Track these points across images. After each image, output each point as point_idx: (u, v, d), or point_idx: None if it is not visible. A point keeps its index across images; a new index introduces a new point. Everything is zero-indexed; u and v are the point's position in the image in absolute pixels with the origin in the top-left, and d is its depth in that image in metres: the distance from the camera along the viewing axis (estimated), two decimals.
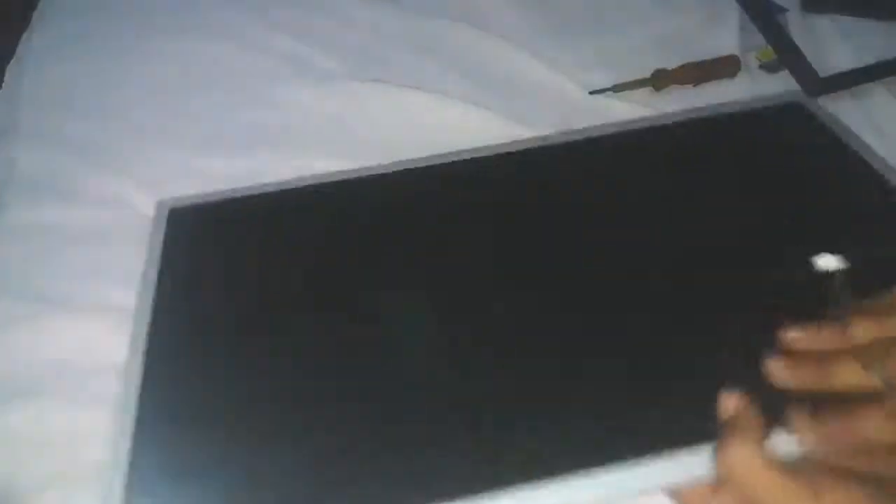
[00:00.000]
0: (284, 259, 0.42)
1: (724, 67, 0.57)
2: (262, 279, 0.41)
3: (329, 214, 0.45)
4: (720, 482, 0.29)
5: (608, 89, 0.56)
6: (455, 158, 0.47)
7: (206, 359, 0.38)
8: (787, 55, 0.58)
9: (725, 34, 0.60)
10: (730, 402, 0.31)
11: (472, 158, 0.47)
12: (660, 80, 0.56)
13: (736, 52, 0.58)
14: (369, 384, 0.36)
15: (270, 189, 0.46)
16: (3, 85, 0.56)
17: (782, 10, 0.61)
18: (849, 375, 0.30)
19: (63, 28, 0.60)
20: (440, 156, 0.47)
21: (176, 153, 0.52)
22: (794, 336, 0.33)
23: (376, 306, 0.39)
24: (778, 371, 0.32)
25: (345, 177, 0.47)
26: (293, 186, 0.46)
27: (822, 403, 0.30)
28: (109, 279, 0.45)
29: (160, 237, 0.43)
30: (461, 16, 0.62)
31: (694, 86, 0.56)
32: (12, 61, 0.57)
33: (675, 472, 0.30)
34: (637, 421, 0.32)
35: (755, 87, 0.57)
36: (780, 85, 0.57)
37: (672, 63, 0.57)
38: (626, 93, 0.56)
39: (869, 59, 0.56)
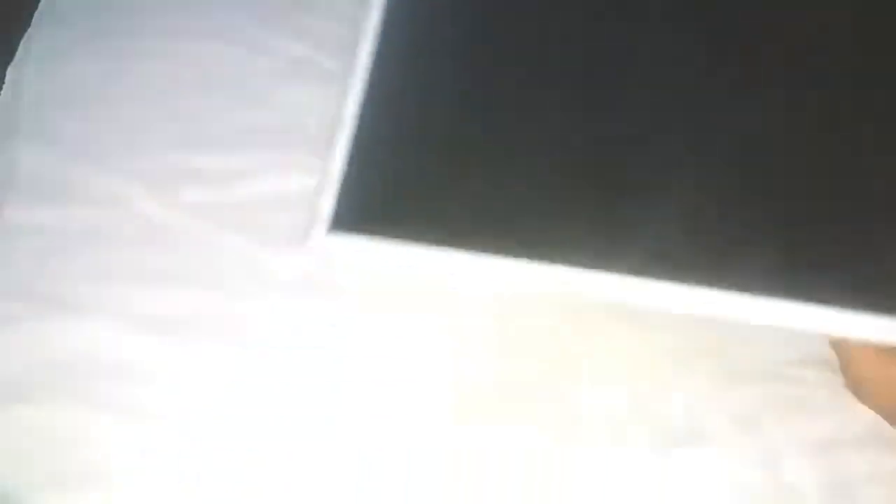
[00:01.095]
0: None
1: None
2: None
3: None
4: None
5: None
6: None
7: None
8: None
9: None
10: None
11: None
12: None
13: None
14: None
15: None
16: (3, 85, 0.56)
17: None
18: None
19: (63, 28, 0.60)
20: None
21: (176, 153, 0.52)
22: None
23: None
24: None
25: None
26: None
27: None
28: (110, 279, 0.45)
29: None
30: None
31: None
32: (12, 62, 0.57)
33: None
34: None
35: None
36: None
37: None
38: None
39: None
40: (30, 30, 0.60)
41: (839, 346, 0.40)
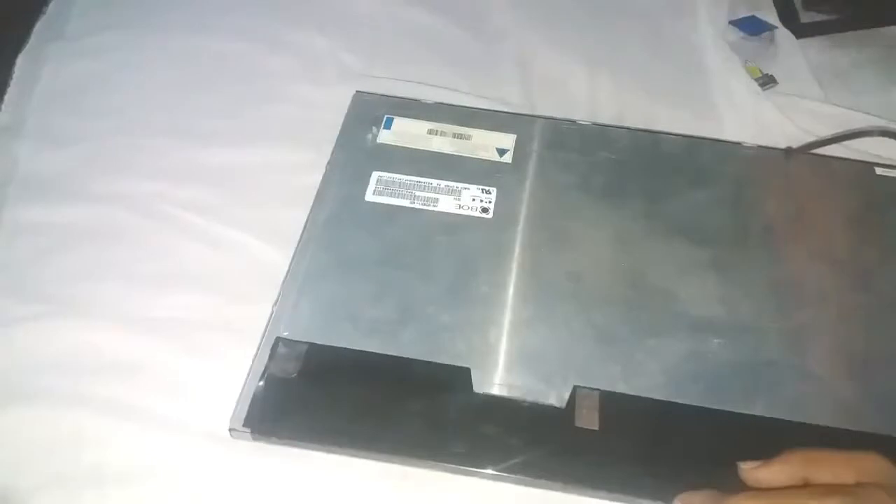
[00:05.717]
0: None
1: None
2: None
3: None
4: None
5: None
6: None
7: None
8: None
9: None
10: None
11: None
12: None
13: None
14: None
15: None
16: (13, 78, 0.55)
17: (772, 27, 0.63)
18: None
19: (68, 27, 0.60)
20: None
21: (181, 151, 0.51)
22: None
23: None
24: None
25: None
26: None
27: None
28: (111, 279, 0.45)
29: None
30: (473, 15, 0.62)
31: None
32: (16, 60, 0.57)
33: None
34: None
35: None
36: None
37: None
38: None
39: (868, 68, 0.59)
40: (33, 29, 0.59)
41: None
